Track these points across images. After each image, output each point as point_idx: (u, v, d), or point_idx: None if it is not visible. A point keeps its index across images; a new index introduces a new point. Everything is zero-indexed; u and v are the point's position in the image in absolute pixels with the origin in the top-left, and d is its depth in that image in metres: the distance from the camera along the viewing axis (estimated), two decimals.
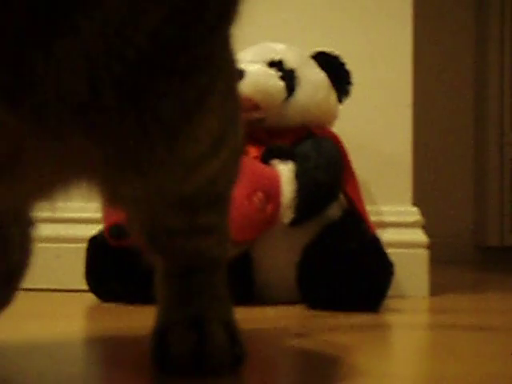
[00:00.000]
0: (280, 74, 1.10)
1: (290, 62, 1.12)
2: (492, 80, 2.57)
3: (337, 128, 1.16)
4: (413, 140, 1.29)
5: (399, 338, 0.84)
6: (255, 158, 1.07)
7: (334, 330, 0.84)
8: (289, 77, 1.11)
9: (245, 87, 1.07)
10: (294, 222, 1.03)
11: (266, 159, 1.07)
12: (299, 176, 1.03)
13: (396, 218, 1.26)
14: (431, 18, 2.60)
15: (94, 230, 1.11)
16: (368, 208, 1.14)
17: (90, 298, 1.08)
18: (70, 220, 1.25)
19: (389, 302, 1.06)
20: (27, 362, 0.61)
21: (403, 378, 0.59)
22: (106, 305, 1.05)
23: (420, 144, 1.48)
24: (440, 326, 0.91)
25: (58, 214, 1.25)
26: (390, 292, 1.03)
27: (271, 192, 1.02)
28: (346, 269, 1.00)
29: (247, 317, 0.94)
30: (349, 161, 1.12)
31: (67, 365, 0.61)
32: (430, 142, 2.58)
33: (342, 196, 1.10)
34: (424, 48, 2.50)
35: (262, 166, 1.05)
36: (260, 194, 1.00)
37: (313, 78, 1.13)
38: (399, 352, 0.73)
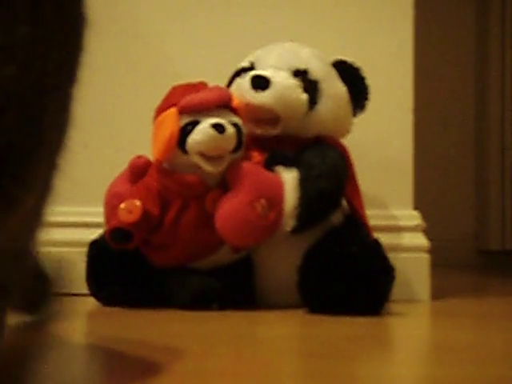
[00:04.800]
0: (303, 84, 1.07)
1: (315, 73, 1.09)
2: (493, 84, 2.57)
3: None
4: (414, 144, 1.29)
5: (401, 341, 0.84)
6: (258, 163, 1.06)
7: (335, 334, 0.83)
8: (312, 89, 1.07)
9: (268, 97, 1.04)
10: (296, 230, 1.02)
11: (269, 165, 1.05)
12: (302, 184, 1.02)
13: (397, 221, 1.26)
14: (432, 22, 2.60)
15: (94, 233, 1.11)
16: (369, 212, 1.13)
17: (91, 301, 1.08)
18: (71, 224, 1.25)
19: (390, 306, 1.05)
20: (27, 367, 0.60)
21: (405, 381, 0.58)
22: (107, 309, 1.04)
23: (421, 148, 1.48)
24: (442, 329, 0.91)
25: (59, 218, 1.26)
26: (392, 296, 1.03)
27: (274, 199, 1.01)
28: (347, 273, 0.99)
29: (248, 321, 0.94)
30: (353, 169, 1.11)
31: (68, 369, 0.61)
32: (431, 146, 2.58)
33: (344, 202, 1.10)
34: (425, 52, 2.50)
35: (265, 172, 1.04)
36: (263, 201, 1.00)
37: (335, 92, 1.10)
38: (401, 356, 0.73)
